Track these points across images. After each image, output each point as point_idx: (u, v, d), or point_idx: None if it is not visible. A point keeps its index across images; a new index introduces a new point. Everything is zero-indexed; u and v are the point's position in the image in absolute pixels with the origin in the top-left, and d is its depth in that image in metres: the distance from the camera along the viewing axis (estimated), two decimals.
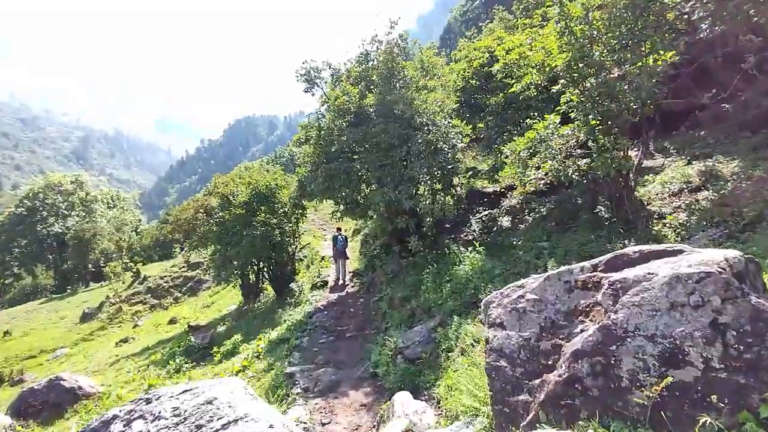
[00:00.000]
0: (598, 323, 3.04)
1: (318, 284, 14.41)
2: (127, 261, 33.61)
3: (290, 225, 15.25)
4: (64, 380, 11.15)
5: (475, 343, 6.08)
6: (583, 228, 8.89)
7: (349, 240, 16.74)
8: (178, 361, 11.50)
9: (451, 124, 10.13)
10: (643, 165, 7.75)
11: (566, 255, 8.28)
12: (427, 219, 10.84)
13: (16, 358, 20.70)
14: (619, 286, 2.97)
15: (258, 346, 10.38)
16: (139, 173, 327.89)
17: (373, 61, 11.70)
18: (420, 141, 9.89)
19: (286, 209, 14.90)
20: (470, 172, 14.49)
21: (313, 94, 11.45)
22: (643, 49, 6.85)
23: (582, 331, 3.20)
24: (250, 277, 17.90)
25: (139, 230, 50.26)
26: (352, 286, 14.32)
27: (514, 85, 7.97)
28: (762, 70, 6.82)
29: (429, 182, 10.05)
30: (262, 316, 14.55)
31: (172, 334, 17.85)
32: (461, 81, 11.78)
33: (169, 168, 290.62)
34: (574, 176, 7.33)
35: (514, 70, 7.48)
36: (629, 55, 6.81)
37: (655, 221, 7.30)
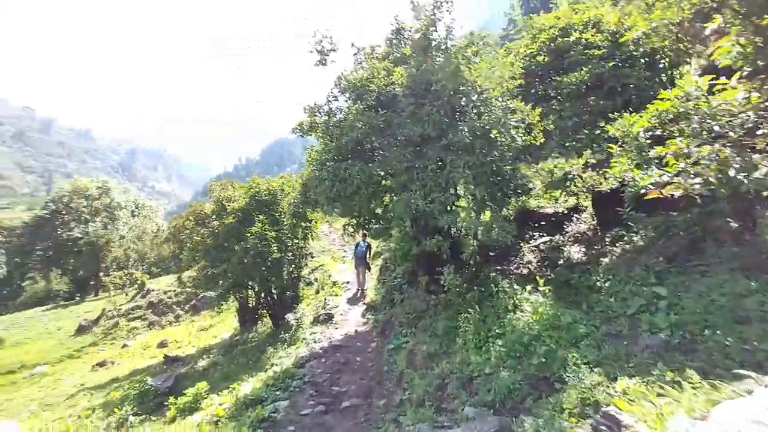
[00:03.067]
0: None
1: (321, 318, 11.39)
2: (132, 271, 31.70)
3: (295, 241, 12.41)
4: None
5: None
6: (724, 269, 5.56)
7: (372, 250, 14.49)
8: (125, 410, 8.67)
9: (510, 108, 7.09)
10: None
11: (706, 311, 4.98)
12: (470, 242, 7.73)
13: None
14: None
15: (221, 406, 7.40)
16: (178, 187, 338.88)
17: (408, 32, 8.95)
18: (466, 131, 6.90)
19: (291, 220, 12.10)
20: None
21: (325, 66, 8.70)
22: None
23: None
24: (249, 300, 15.20)
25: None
26: (365, 323, 11.24)
27: (628, 33, 4.88)
28: None
29: (475, 190, 6.99)
30: (250, 353, 11.63)
31: (153, 361, 15.16)
32: (523, 61, 8.78)
33: (208, 181, 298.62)
34: (742, 178, 4.09)
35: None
36: None
37: None
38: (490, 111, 6.90)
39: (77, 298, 33.59)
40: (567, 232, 10.22)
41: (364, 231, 12.80)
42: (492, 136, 6.89)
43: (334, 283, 15.23)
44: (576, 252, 9.04)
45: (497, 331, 6.58)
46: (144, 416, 8.56)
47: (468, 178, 6.69)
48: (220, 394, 8.57)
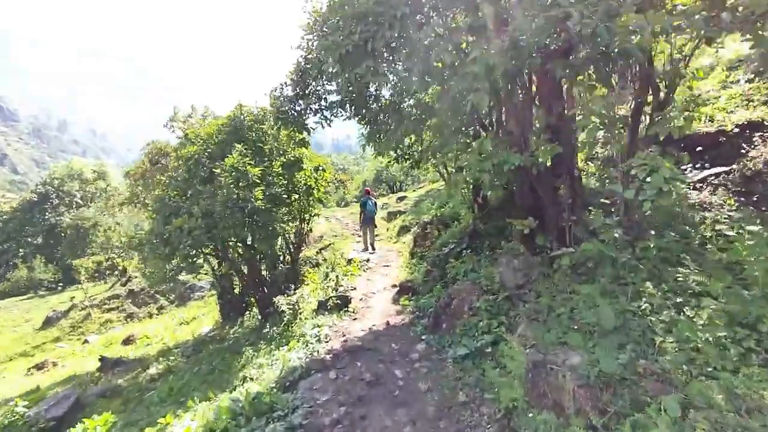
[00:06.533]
0: None
1: (330, 304, 7.19)
2: (113, 256, 27.95)
3: (294, 196, 8.25)
4: None
5: None
6: None
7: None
8: None
9: None
10: None
11: None
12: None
13: None
14: None
15: None
16: None
17: None
18: None
19: (286, 158, 7.97)
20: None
21: None
22: None
23: None
24: (234, 285, 11.23)
25: None
26: (399, 312, 7.03)
27: None
28: None
29: None
30: (220, 356, 7.52)
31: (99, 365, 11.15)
32: None
33: None
34: None
35: None
36: None
37: None
38: None
39: (59, 287, 30.03)
40: (752, 158, 5.99)
41: (368, 189, 13.47)
42: None
43: (350, 261, 11.05)
44: None
45: None
46: None
47: None
48: None
